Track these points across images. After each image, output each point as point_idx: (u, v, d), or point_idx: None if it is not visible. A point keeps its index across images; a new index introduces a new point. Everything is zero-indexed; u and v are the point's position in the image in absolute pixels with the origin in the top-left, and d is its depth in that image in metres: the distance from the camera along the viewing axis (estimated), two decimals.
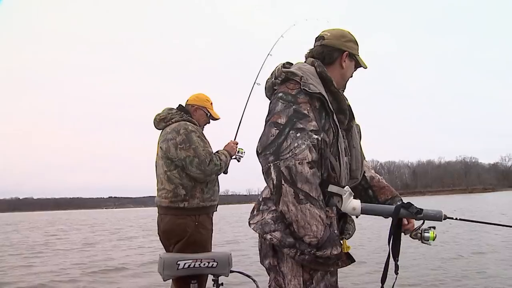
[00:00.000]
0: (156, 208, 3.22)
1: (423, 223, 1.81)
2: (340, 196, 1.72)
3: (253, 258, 8.33)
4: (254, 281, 3.28)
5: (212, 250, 3.22)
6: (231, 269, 3.06)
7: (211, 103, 3.42)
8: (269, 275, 1.77)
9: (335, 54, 1.88)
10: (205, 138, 3.19)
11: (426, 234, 1.80)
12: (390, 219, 1.78)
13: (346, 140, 1.87)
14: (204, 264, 2.92)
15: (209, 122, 3.43)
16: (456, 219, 1.84)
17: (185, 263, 2.88)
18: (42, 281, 7.54)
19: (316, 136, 1.63)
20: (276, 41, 3.73)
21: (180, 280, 3.04)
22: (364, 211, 1.75)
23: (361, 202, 2.01)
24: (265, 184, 1.73)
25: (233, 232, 16.69)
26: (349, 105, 1.88)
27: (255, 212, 1.77)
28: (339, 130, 1.76)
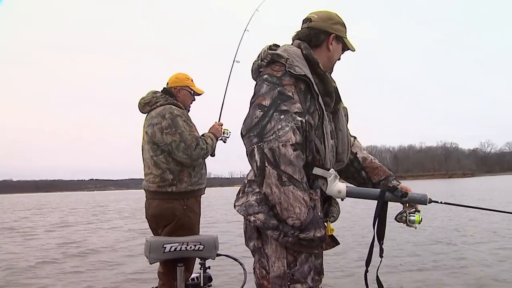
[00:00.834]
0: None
1: (408, 206, 1.82)
2: (325, 179, 1.72)
3: (235, 241, 8.39)
4: (240, 264, 3.30)
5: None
6: (218, 252, 3.07)
7: (192, 80, 3.38)
8: (254, 257, 1.78)
9: (322, 37, 1.86)
10: (191, 122, 3.16)
11: (411, 218, 1.80)
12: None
13: (333, 123, 1.86)
14: (191, 247, 2.93)
15: (194, 100, 3.39)
16: (441, 202, 1.85)
17: (171, 246, 2.88)
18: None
19: (300, 118, 1.62)
20: (252, 15, 3.70)
21: (166, 263, 3.06)
22: (349, 194, 1.76)
23: (354, 183, 2.02)
24: (249, 167, 1.73)
25: (214, 216, 16.70)
26: (336, 87, 1.87)
27: (240, 194, 1.77)
28: (325, 112, 1.75)
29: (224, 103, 3.62)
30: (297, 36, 1.90)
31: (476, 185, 38.74)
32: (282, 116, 1.59)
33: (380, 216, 1.78)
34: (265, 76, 1.70)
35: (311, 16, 1.90)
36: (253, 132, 1.61)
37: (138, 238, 10.49)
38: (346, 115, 2.00)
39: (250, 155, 1.63)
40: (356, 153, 2.05)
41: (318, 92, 1.73)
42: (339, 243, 1.79)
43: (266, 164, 1.56)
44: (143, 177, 3.21)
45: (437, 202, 1.83)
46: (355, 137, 2.11)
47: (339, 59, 1.95)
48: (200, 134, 3.20)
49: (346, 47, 1.94)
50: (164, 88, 3.33)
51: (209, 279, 3.22)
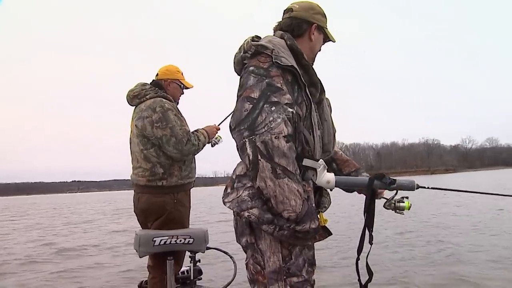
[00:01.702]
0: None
1: (396, 193, 1.84)
2: (315, 169, 1.72)
3: (224, 237, 8.40)
4: (230, 257, 3.30)
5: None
6: (208, 245, 3.07)
7: (182, 73, 3.35)
8: (246, 253, 1.75)
9: (304, 26, 1.85)
10: (182, 115, 3.12)
11: (401, 204, 1.82)
12: None
13: (318, 113, 1.85)
14: (180, 241, 2.92)
15: (183, 93, 3.37)
16: (428, 187, 1.87)
17: (161, 240, 2.87)
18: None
19: (291, 110, 1.61)
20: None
21: (156, 256, 3.04)
22: (338, 184, 1.75)
23: None
24: (235, 164, 1.71)
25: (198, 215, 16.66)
26: (319, 78, 1.87)
27: (229, 190, 1.71)
28: (312, 103, 1.75)
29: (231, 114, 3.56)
30: (279, 27, 1.89)
31: (458, 180, 39.32)
32: (273, 108, 1.58)
33: (369, 205, 1.79)
34: (251, 68, 1.67)
35: (292, 6, 1.89)
36: (243, 125, 1.59)
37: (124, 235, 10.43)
38: (330, 106, 2.00)
39: (241, 149, 1.60)
40: None
41: (304, 83, 1.72)
42: (331, 234, 1.80)
43: (259, 157, 1.54)
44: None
45: (424, 187, 1.85)
46: None
47: (320, 51, 1.96)
48: (192, 129, 3.16)
49: (327, 38, 1.94)
50: (153, 80, 3.28)
51: (199, 272, 3.22)
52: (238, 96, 1.68)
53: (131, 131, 3.20)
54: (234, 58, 1.83)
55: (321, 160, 1.76)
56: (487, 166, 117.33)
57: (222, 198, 1.72)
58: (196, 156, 3.25)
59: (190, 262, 3.13)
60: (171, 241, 2.88)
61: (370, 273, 1.79)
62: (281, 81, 1.64)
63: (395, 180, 1.77)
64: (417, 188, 1.80)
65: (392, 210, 1.86)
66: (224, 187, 1.74)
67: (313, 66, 1.88)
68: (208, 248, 3.10)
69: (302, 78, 1.72)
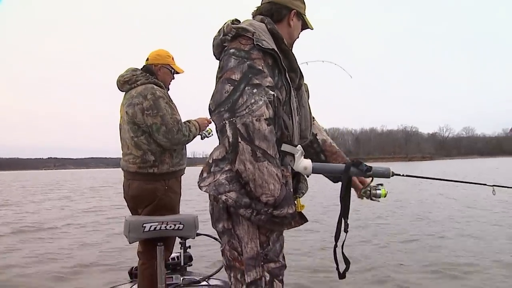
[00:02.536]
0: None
1: (371, 180, 1.87)
2: (293, 155, 1.72)
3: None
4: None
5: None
6: (198, 231, 3.07)
7: (173, 58, 3.31)
8: (221, 238, 1.74)
9: (283, 12, 1.85)
10: (173, 103, 3.10)
11: (377, 192, 1.85)
12: None
13: (296, 99, 1.83)
14: (170, 227, 2.91)
15: (173, 78, 3.33)
16: (403, 175, 1.89)
17: (151, 226, 2.86)
18: None
19: (272, 92, 1.60)
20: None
21: (146, 242, 3.03)
22: (315, 170, 1.77)
23: None
24: (214, 145, 1.70)
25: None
26: (298, 64, 1.86)
27: (205, 174, 1.68)
28: (292, 88, 1.74)
29: None
30: (258, 12, 1.88)
31: (435, 169, 39.71)
32: (254, 90, 1.56)
33: (345, 192, 1.79)
34: (232, 50, 1.65)
35: None
36: (224, 107, 1.56)
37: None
38: (307, 91, 2.00)
39: (220, 131, 1.58)
40: (316, 134, 2.07)
41: (285, 67, 1.71)
42: (307, 220, 1.80)
43: (240, 139, 1.52)
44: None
45: (399, 175, 1.87)
46: (314, 118, 2.10)
47: (298, 38, 1.95)
48: (184, 119, 3.14)
49: (305, 25, 1.94)
50: (144, 65, 3.23)
51: (189, 258, 3.23)
52: (217, 78, 1.66)
53: (121, 117, 3.17)
54: (213, 41, 1.80)
55: (299, 146, 1.77)
56: (464, 155, 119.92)
57: (198, 182, 1.69)
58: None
59: (180, 248, 3.13)
60: (161, 227, 2.87)
61: (346, 262, 1.82)
62: (262, 64, 1.62)
63: (371, 167, 1.78)
64: (392, 176, 1.81)
65: (367, 198, 1.90)
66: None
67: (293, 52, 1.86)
68: (198, 234, 3.09)
69: (283, 63, 1.71)
